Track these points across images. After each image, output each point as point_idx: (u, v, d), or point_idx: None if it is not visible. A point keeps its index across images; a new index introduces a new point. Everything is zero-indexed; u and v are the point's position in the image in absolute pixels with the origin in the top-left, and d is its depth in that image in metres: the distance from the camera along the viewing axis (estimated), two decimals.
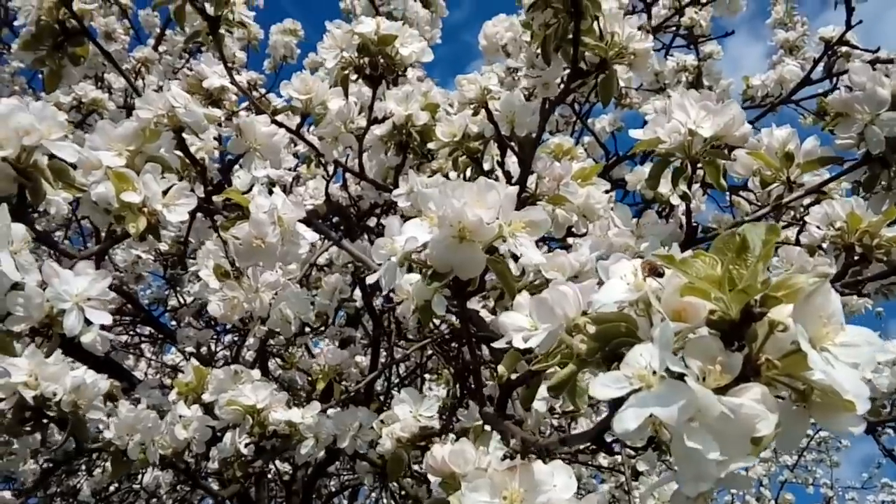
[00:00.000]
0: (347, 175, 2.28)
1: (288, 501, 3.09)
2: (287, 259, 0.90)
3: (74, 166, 0.86)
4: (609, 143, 2.33)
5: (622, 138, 2.38)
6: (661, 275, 0.44)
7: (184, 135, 1.02)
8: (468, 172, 1.35)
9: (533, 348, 0.73)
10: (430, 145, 1.16)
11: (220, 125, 1.13)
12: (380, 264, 0.66)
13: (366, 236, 2.08)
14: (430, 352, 2.24)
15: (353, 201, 2.09)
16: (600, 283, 0.48)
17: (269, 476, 3.34)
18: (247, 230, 0.87)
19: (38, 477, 1.65)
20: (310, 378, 2.65)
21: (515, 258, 0.64)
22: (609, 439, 0.67)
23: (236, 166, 1.10)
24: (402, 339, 2.16)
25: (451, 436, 0.96)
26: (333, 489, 4.19)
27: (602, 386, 0.40)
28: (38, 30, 1.19)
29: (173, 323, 3.03)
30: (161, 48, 2.87)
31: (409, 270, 0.69)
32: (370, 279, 0.67)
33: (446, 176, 1.20)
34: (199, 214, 1.08)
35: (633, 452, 1.61)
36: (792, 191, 0.88)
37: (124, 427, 1.15)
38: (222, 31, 1.07)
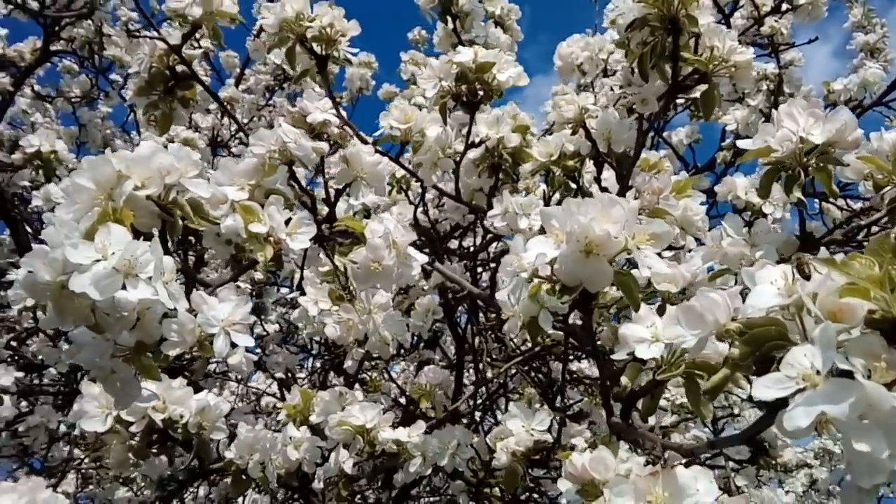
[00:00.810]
0: (427, 199, 2.34)
1: None
2: (402, 280, 0.94)
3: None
4: (687, 154, 2.32)
5: (700, 150, 2.37)
6: (808, 277, 0.45)
7: (294, 168, 1.08)
8: (548, 192, 1.38)
9: (653, 359, 0.75)
10: (526, 166, 1.19)
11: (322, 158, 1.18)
12: (506, 281, 0.69)
13: (447, 259, 2.13)
14: (513, 371, 2.26)
15: (432, 225, 2.14)
16: (743, 291, 0.49)
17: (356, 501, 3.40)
18: (364, 254, 0.92)
19: (164, 497, 1.72)
20: (394, 399, 2.70)
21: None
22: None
23: (343, 195, 1.15)
24: (489, 358, 2.18)
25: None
26: None
27: (764, 388, 0.42)
28: (150, 76, 1.28)
29: (258, 350, 3.13)
30: (242, 86, 3.01)
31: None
32: (499, 295, 0.70)
33: (543, 197, 1.22)
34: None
35: (736, 465, 1.58)
36: None
37: (244, 447, 1.20)
38: (329, 68, 1.13)
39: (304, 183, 1.17)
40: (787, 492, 2.43)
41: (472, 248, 2.35)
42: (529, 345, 2.16)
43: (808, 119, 0.81)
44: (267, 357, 2.92)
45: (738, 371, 0.49)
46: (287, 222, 0.94)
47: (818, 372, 0.40)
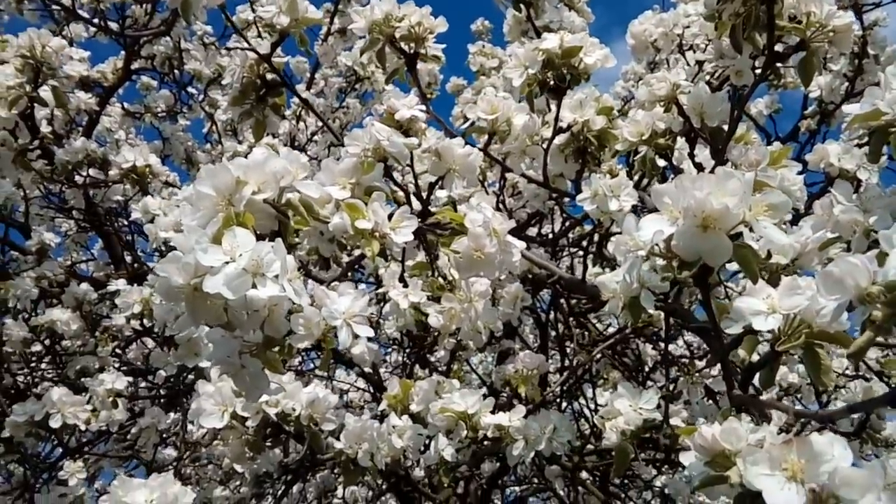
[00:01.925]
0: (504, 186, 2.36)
1: None
2: (504, 267, 0.96)
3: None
4: (767, 125, 2.27)
5: (780, 120, 2.31)
6: None
7: (387, 164, 1.11)
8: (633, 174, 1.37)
9: (771, 331, 0.74)
10: (618, 146, 1.19)
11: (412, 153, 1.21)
12: (621, 260, 0.70)
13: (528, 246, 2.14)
14: (598, 356, 2.26)
15: (509, 214, 2.15)
16: (881, 255, 0.49)
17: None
18: (466, 244, 0.94)
19: (282, 489, 1.80)
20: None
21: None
22: None
23: (436, 189, 1.17)
24: (575, 345, 2.19)
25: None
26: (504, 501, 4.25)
27: None
28: (243, 86, 1.33)
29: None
30: (312, 90, 3.09)
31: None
32: (615, 276, 0.71)
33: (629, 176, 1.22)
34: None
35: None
36: None
37: (353, 437, 1.25)
38: (419, 66, 1.15)
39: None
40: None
41: (550, 236, 2.36)
42: (618, 326, 2.16)
43: None
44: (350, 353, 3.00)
45: (881, 333, 0.49)
46: (389, 217, 0.97)
47: None
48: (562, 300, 2.37)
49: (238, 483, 3.41)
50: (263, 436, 1.22)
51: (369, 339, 0.82)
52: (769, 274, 0.89)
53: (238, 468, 1.76)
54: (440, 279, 1.22)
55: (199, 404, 1.20)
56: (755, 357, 0.79)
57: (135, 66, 2.79)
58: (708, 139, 1.12)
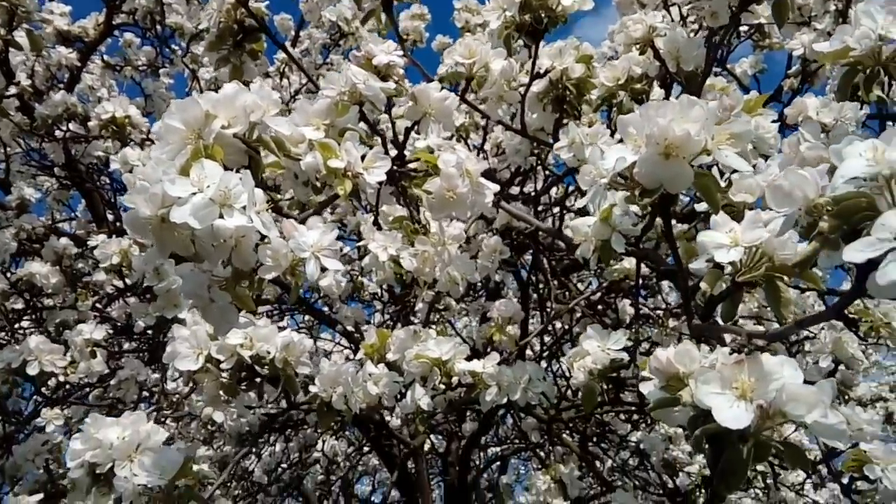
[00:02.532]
0: (486, 147, 2.35)
1: (444, 472, 3.23)
2: (476, 208, 0.97)
3: None
4: (752, 85, 2.27)
5: (765, 80, 2.31)
6: None
7: (364, 109, 1.11)
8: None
9: (732, 264, 0.76)
10: (594, 92, 1.19)
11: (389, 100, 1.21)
12: (586, 190, 0.70)
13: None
14: (578, 315, 2.27)
15: (494, 172, 2.15)
16: (831, 171, 0.50)
17: (426, 450, 3.51)
18: (438, 184, 0.94)
19: (257, 429, 1.81)
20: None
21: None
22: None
23: (412, 133, 1.17)
24: (554, 302, 2.20)
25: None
26: (485, 461, 4.32)
27: (855, 251, 0.43)
28: (220, 31, 1.32)
29: (325, 308, 3.23)
30: (297, 48, 3.05)
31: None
32: (580, 203, 0.71)
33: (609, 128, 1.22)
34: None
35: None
36: None
37: (327, 381, 1.26)
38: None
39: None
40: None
41: (532, 193, 2.36)
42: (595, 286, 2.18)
43: (887, 17, 0.79)
44: (335, 313, 3.02)
45: (827, 245, 0.50)
46: (363, 158, 0.97)
47: None
48: (543, 259, 2.38)
49: (221, 442, 3.44)
50: (238, 379, 1.23)
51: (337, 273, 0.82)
52: (737, 212, 0.90)
53: (218, 418, 1.78)
54: (415, 224, 1.22)
55: (174, 347, 1.20)
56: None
57: (117, 21, 2.75)
58: (683, 84, 1.13)
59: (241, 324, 0.91)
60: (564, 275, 2.56)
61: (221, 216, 0.74)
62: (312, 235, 0.81)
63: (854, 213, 0.46)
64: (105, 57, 2.72)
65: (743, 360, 0.59)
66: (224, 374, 1.22)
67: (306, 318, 3.76)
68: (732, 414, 0.56)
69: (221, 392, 1.26)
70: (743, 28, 1.97)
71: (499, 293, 3.09)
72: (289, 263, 0.77)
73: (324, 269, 0.80)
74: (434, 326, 2.77)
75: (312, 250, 0.80)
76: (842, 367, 1.63)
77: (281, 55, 2.74)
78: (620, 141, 0.69)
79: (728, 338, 0.67)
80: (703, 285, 0.75)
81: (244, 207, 0.75)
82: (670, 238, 0.72)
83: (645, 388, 0.73)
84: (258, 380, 1.25)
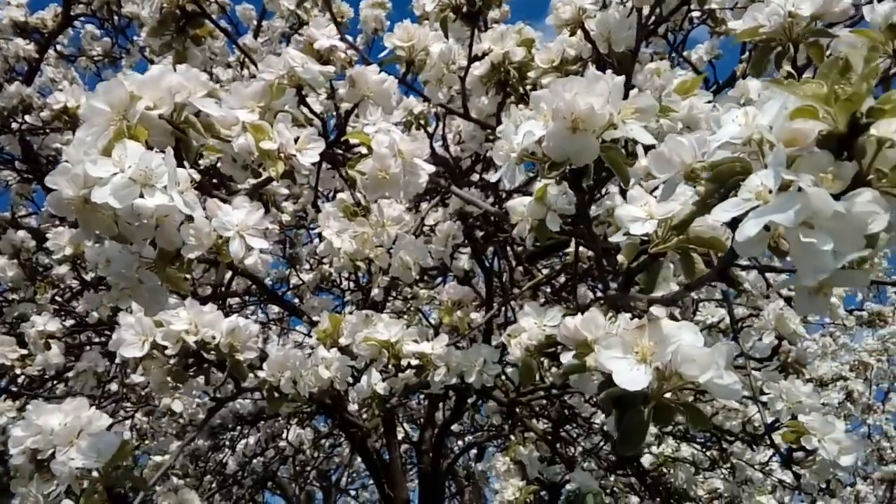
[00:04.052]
0: (448, 136, 2.36)
1: (419, 460, 3.25)
2: (409, 189, 0.97)
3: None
4: (708, 71, 2.29)
5: (721, 66, 2.34)
6: None
7: (303, 92, 1.11)
8: None
9: (647, 236, 0.77)
10: (531, 74, 1.20)
11: (331, 82, 1.21)
12: (499, 165, 0.71)
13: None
14: (543, 301, 2.29)
15: (454, 160, 2.15)
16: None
17: (400, 439, 3.52)
18: (371, 164, 0.95)
19: (206, 414, 1.81)
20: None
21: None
22: None
23: (352, 118, 1.17)
24: (516, 289, 2.22)
25: None
26: (459, 449, 4.35)
27: (722, 211, 0.44)
28: (162, 16, 1.31)
29: (296, 300, 3.22)
30: (260, 39, 3.03)
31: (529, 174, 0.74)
32: (493, 177, 0.72)
33: None
34: (324, 165, 1.17)
35: (758, 365, 1.60)
36: None
37: (275, 365, 1.27)
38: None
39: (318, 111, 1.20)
40: (824, 404, 2.46)
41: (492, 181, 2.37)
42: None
43: None
44: (303, 304, 3.01)
45: (704, 210, 0.51)
46: (297, 141, 0.97)
47: (770, 191, 0.42)
48: (508, 248, 2.39)
49: (193, 435, 3.43)
50: (185, 365, 1.23)
51: (262, 251, 0.82)
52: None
53: (177, 408, 1.78)
54: (354, 206, 1.23)
55: (119, 335, 1.20)
56: None
57: (75, 11, 2.72)
58: (615, 65, 1.14)
59: (172, 305, 0.91)
60: (530, 262, 2.57)
61: (142, 196, 0.74)
62: (237, 215, 0.81)
63: (729, 178, 0.48)
64: (59, 48, 2.69)
65: (644, 325, 0.60)
66: (170, 361, 1.23)
67: (277, 310, 3.76)
68: (631, 376, 0.58)
69: (169, 378, 1.26)
70: (696, 13, 1.99)
71: (469, 281, 3.11)
72: (212, 242, 0.78)
73: (249, 248, 0.80)
74: (405, 316, 2.78)
75: (237, 229, 0.80)
76: (792, 345, 1.67)
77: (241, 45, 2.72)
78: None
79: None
80: (619, 258, 0.76)
81: (165, 187, 0.75)
82: (583, 211, 0.73)
83: (564, 357, 0.75)
84: (205, 365, 1.26)
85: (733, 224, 0.44)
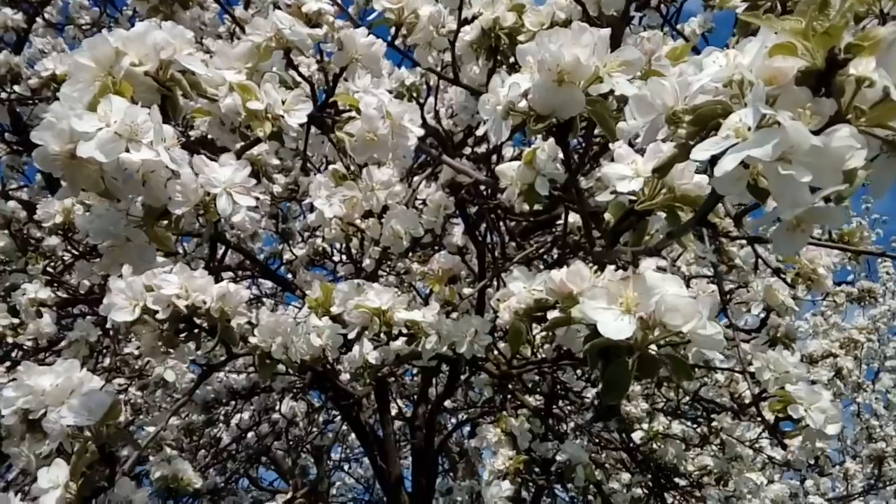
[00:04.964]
0: (440, 109, 2.35)
1: (412, 436, 3.27)
2: (398, 151, 0.97)
3: None
4: (701, 45, 2.28)
5: (714, 39, 2.33)
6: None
7: (291, 55, 1.11)
8: None
9: (636, 195, 0.77)
10: (521, 38, 1.20)
11: (320, 45, 1.21)
12: (486, 119, 0.71)
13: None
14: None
15: (446, 133, 2.14)
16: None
17: (393, 414, 3.54)
18: (359, 126, 0.95)
19: (195, 380, 1.82)
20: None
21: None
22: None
23: (340, 81, 1.17)
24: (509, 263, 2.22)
25: None
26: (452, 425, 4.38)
27: (701, 151, 0.44)
28: None
29: (289, 275, 3.23)
30: (250, 11, 3.01)
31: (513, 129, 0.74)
32: (479, 131, 0.72)
33: None
34: (312, 129, 1.16)
35: (746, 337, 1.62)
36: (885, 23, 0.86)
37: (266, 331, 1.27)
38: None
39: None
40: (813, 381, 2.48)
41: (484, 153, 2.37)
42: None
43: None
44: (296, 279, 3.02)
45: (685, 152, 0.51)
46: (284, 102, 0.97)
47: (749, 128, 0.42)
48: (500, 222, 2.39)
49: (186, 413, 3.45)
50: (176, 330, 1.23)
51: (249, 209, 0.82)
52: None
53: (169, 377, 1.78)
54: (343, 169, 1.23)
55: (109, 299, 1.20)
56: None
57: None
58: (604, 28, 1.13)
59: (160, 263, 0.92)
60: (523, 237, 2.58)
61: (128, 150, 0.74)
62: (224, 172, 0.81)
63: (710, 119, 0.48)
64: (47, 16, 2.67)
65: (629, 276, 0.61)
66: (161, 326, 1.23)
67: (270, 285, 3.77)
68: (616, 326, 0.58)
69: (160, 343, 1.27)
70: None
71: (462, 257, 3.11)
72: (198, 199, 0.78)
73: (237, 206, 0.80)
74: (398, 291, 2.78)
75: (224, 186, 0.80)
76: (780, 318, 1.67)
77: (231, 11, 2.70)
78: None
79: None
80: (606, 215, 0.76)
81: (151, 142, 0.75)
82: (569, 168, 0.73)
83: (552, 315, 0.75)
84: (196, 331, 1.26)
85: (713, 163, 0.44)
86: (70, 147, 0.75)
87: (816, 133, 0.41)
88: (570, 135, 0.70)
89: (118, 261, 1.47)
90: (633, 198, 0.76)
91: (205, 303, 1.21)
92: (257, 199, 0.88)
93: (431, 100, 2.09)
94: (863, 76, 0.42)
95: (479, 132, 0.73)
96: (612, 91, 0.69)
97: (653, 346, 0.61)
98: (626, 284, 0.60)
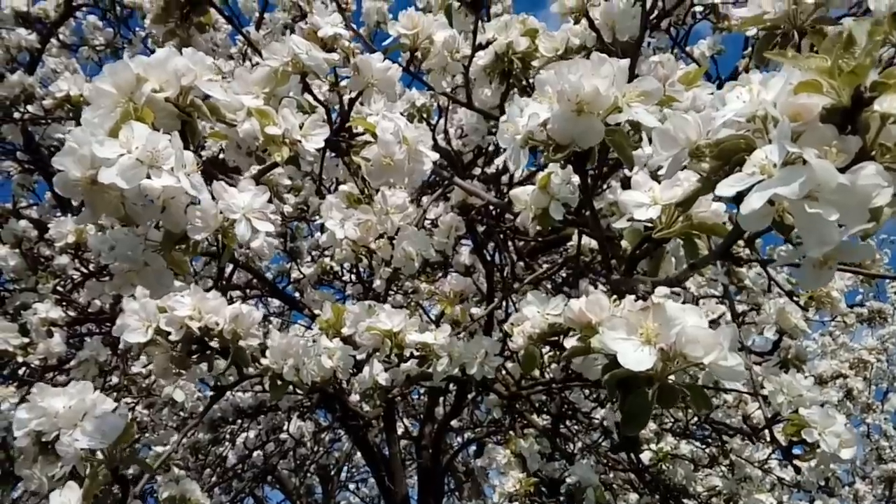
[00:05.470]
0: (450, 131, 2.36)
1: (418, 455, 3.25)
2: (414, 175, 0.98)
3: None
4: (710, 67, 2.29)
5: (723, 62, 2.34)
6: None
7: (307, 80, 1.11)
8: None
9: (651, 221, 0.77)
10: (535, 63, 1.20)
11: (335, 70, 1.22)
12: (504, 148, 0.72)
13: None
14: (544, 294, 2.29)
15: (456, 154, 2.15)
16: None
17: (400, 434, 3.53)
18: (376, 151, 0.96)
19: (207, 402, 1.81)
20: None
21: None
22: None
23: (356, 106, 1.18)
24: (518, 283, 2.22)
25: None
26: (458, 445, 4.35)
27: (727, 187, 0.45)
28: (165, 3, 1.32)
29: (296, 294, 3.23)
30: (262, 31, 3.04)
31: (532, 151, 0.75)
32: (499, 160, 0.73)
33: None
34: (328, 153, 1.17)
35: (759, 359, 1.61)
36: None
37: (278, 353, 1.27)
38: None
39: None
40: (823, 403, 2.47)
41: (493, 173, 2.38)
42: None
43: None
44: (304, 298, 3.02)
45: (709, 186, 0.51)
46: (301, 126, 0.98)
47: (775, 165, 0.42)
48: (509, 242, 2.39)
49: (192, 432, 3.43)
50: (188, 351, 1.24)
51: (268, 235, 0.83)
52: None
53: (178, 397, 1.78)
54: (360, 194, 1.23)
55: (123, 320, 1.20)
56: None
57: (77, 2, 2.72)
58: (619, 54, 1.14)
59: (177, 288, 0.92)
60: (531, 257, 2.58)
61: (149, 177, 0.74)
62: (244, 198, 0.82)
63: (733, 154, 0.48)
64: (61, 37, 2.70)
65: (648, 307, 0.61)
66: (174, 347, 1.23)
67: (278, 304, 3.77)
68: (636, 357, 0.58)
69: (172, 365, 1.27)
70: (698, 8, 1.99)
71: (470, 275, 3.11)
72: (218, 224, 0.78)
73: (255, 231, 0.81)
74: (406, 310, 2.78)
75: (243, 211, 0.80)
76: (792, 340, 1.67)
77: (244, 32, 2.72)
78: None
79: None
80: (623, 243, 0.77)
81: (172, 168, 0.75)
82: (587, 195, 0.74)
83: (568, 342, 0.75)
84: (208, 352, 1.26)
85: (738, 199, 0.44)
86: (91, 173, 0.76)
87: (842, 171, 0.41)
88: (588, 163, 0.71)
89: (135, 284, 1.48)
90: (650, 225, 0.76)
91: (217, 324, 1.21)
92: (274, 223, 0.89)
93: (441, 121, 2.10)
94: (888, 113, 0.42)
95: (499, 161, 0.74)
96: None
97: (671, 376, 0.61)
98: (646, 315, 0.60)
